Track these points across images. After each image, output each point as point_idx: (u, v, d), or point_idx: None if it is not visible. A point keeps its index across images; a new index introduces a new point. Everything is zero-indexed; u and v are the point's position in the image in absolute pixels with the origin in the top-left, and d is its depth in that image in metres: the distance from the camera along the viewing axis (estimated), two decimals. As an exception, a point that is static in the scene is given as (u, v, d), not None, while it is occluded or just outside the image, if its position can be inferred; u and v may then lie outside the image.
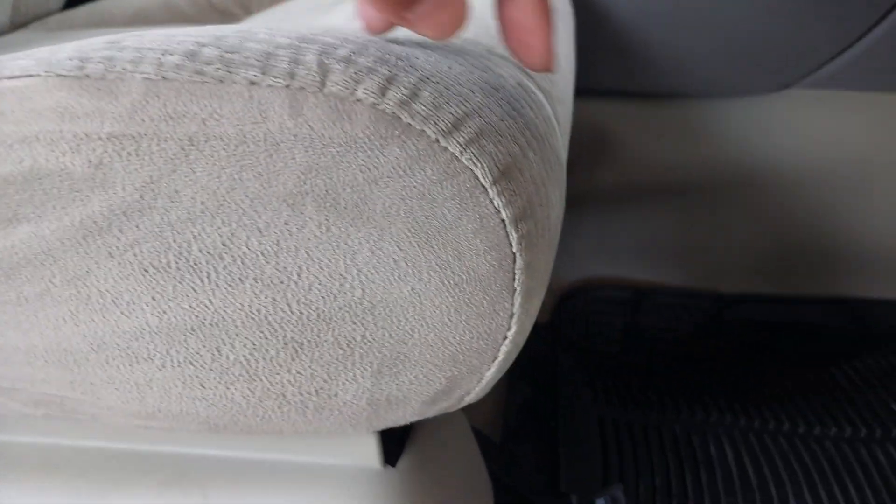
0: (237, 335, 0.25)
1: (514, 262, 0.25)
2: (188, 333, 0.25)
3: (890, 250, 0.76)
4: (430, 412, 0.30)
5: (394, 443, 0.34)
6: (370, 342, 0.25)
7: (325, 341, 0.25)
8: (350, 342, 0.25)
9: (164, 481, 0.34)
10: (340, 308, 0.24)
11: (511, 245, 0.24)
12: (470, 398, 0.30)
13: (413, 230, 0.23)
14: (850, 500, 0.56)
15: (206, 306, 0.24)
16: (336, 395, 0.27)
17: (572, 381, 0.69)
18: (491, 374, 0.29)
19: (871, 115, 0.73)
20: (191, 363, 0.26)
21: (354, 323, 0.24)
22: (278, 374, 0.26)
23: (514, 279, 0.25)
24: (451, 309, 0.25)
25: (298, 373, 0.26)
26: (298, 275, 0.23)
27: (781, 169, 0.75)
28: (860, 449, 0.61)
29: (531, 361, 0.72)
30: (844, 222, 0.77)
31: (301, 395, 0.27)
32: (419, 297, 0.24)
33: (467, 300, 0.25)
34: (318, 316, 0.24)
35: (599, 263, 0.85)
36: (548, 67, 0.25)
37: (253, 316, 0.24)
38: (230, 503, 0.33)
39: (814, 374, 0.70)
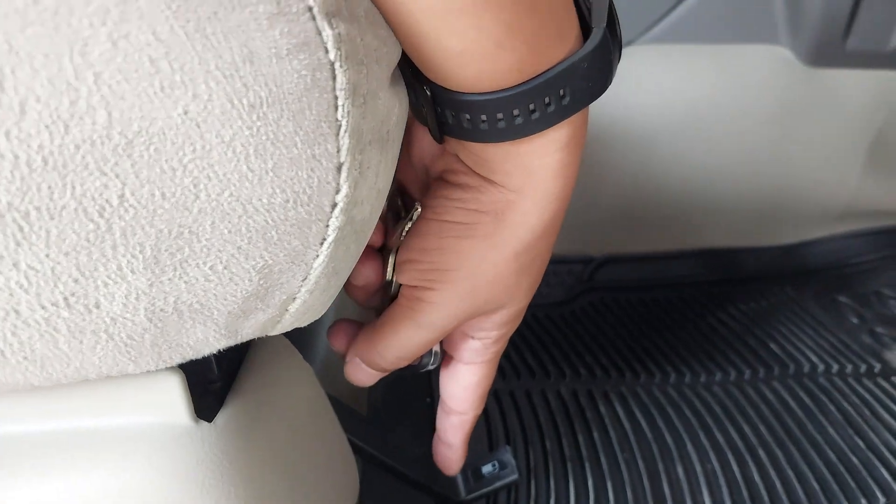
0: None
1: (334, 77, 0.18)
2: None
3: (748, 198, 0.77)
4: (244, 331, 0.22)
5: (211, 393, 0.26)
6: (134, 207, 0.17)
7: (65, 209, 0.16)
8: (103, 208, 0.17)
9: None
10: (77, 146, 0.16)
11: (325, 49, 0.17)
12: (297, 308, 0.23)
13: (175, 7, 0.15)
14: (745, 438, 0.53)
15: None
16: (98, 306, 0.18)
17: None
18: (320, 264, 0.21)
19: (713, 66, 0.73)
20: None
21: (104, 173, 0.16)
22: (-1, 273, 0.17)
23: (336, 106, 0.18)
24: (247, 149, 0.17)
25: (31, 268, 0.17)
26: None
27: (634, 127, 0.74)
28: (747, 390, 0.59)
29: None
30: (701, 174, 0.76)
31: (43, 307, 0.18)
32: (197, 125, 0.16)
33: (271, 134, 0.17)
34: (46, 163, 0.16)
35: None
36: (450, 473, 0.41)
37: None
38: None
39: (692, 325, 0.68)
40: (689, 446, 0.52)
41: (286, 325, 0.24)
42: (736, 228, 0.78)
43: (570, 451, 0.51)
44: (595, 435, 0.53)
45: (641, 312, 0.70)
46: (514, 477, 0.45)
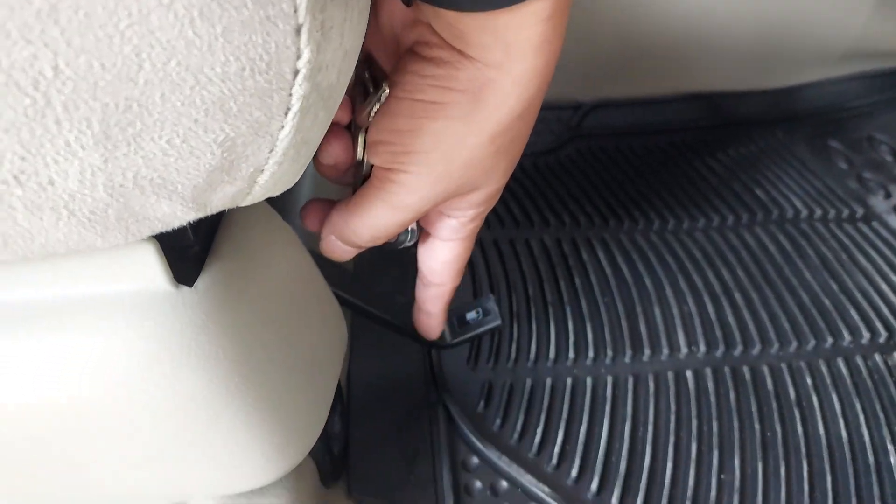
0: None
1: None
2: None
3: (746, 39, 0.73)
4: (213, 203, 0.22)
5: (189, 258, 0.26)
6: (72, 80, 0.16)
7: (-4, 84, 0.15)
8: (37, 80, 0.16)
9: None
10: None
11: None
12: (266, 180, 0.22)
13: None
14: (722, 281, 0.54)
15: None
16: (52, 183, 0.18)
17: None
18: (287, 135, 0.21)
19: None
20: None
21: (30, 42, 0.15)
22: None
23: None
24: (190, 12, 0.16)
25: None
26: None
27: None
28: (729, 235, 0.59)
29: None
30: (697, 10, 0.72)
31: (-8, 188, 0.17)
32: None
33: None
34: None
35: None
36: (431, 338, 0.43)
37: None
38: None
39: (680, 171, 0.68)
40: (668, 290, 0.54)
41: (257, 196, 0.23)
42: (731, 71, 0.75)
43: (552, 296, 0.53)
44: (577, 281, 0.54)
45: (629, 160, 0.70)
46: (497, 322, 0.46)
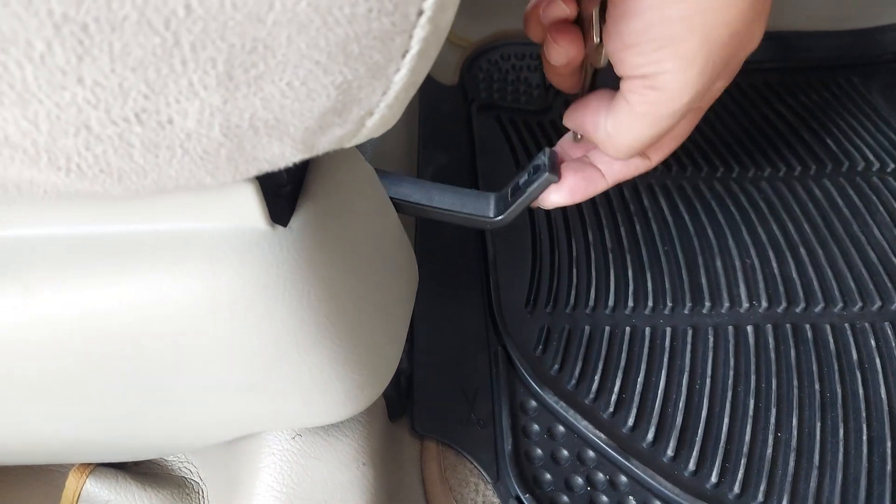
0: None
1: None
2: None
3: None
4: (321, 145, 0.21)
5: (282, 198, 0.26)
6: (202, 19, 0.15)
7: (126, 20, 0.15)
8: (168, 20, 0.15)
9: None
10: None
11: None
12: (374, 123, 0.22)
13: None
14: (788, 235, 0.53)
15: None
16: (171, 122, 0.17)
17: (491, 148, 0.62)
18: (402, 78, 0.20)
19: None
20: None
21: (166, -18, 0.14)
22: (64, 89, 0.16)
23: None
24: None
25: (97, 84, 0.16)
26: None
27: None
28: (795, 186, 0.58)
29: (442, 125, 0.63)
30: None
31: (114, 123, 0.17)
32: None
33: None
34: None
35: (510, 14, 0.74)
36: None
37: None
38: (63, 292, 0.25)
39: (745, 116, 0.65)
40: (730, 241, 0.53)
41: (361, 138, 0.23)
42: (803, 8, 0.72)
43: (612, 243, 0.52)
44: (637, 227, 0.53)
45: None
46: (546, 175, 0.36)
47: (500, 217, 0.39)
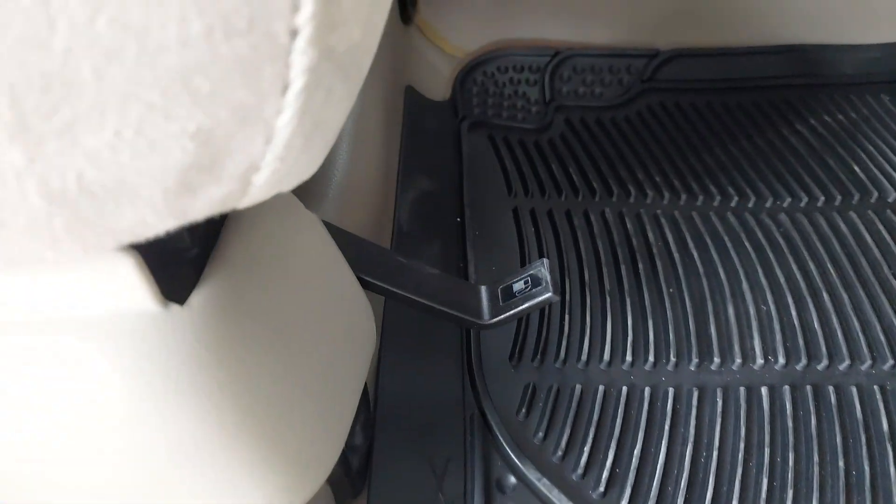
0: None
1: None
2: None
3: None
4: (196, 210, 0.16)
5: (185, 265, 0.21)
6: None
7: None
8: None
9: None
10: None
11: None
12: (266, 180, 0.16)
13: None
14: (809, 277, 0.47)
15: None
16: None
17: (480, 170, 0.56)
18: (289, 123, 0.14)
19: None
20: None
21: None
22: None
23: None
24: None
25: None
26: None
27: None
28: (818, 219, 0.52)
29: (427, 145, 0.58)
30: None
31: None
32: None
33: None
34: None
35: (508, 23, 0.69)
36: None
37: None
38: None
39: (764, 137, 0.60)
40: (744, 283, 0.47)
41: (256, 197, 0.17)
42: (831, 20, 0.65)
43: (611, 284, 0.47)
44: (640, 265, 0.48)
45: (707, 120, 0.61)
46: (549, 295, 0.35)
47: (490, 322, 0.37)
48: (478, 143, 0.59)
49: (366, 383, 0.33)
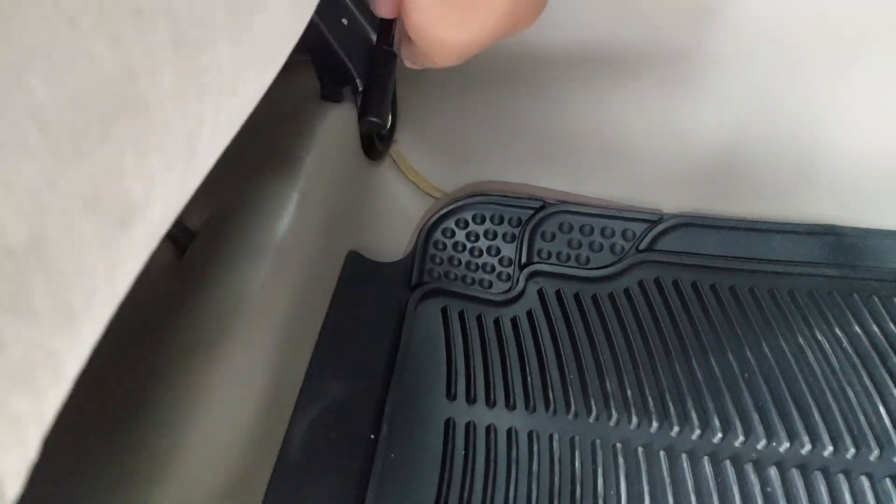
0: None
1: None
2: None
3: (879, 159, 0.52)
4: None
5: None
6: None
7: None
8: None
9: None
10: None
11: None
12: None
13: None
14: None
15: None
16: None
17: (420, 358, 0.46)
18: None
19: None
20: None
21: None
22: None
23: None
24: None
25: None
26: None
27: (744, 39, 0.49)
28: (839, 484, 0.40)
29: (352, 329, 0.48)
30: (821, 120, 0.52)
31: None
32: None
33: None
34: None
35: (493, 164, 0.59)
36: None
37: None
38: None
39: (775, 341, 0.48)
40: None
41: None
42: (870, 199, 0.54)
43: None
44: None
45: (710, 308, 0.50)
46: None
47: None
48: (426, 321, 0.48)
49: None
